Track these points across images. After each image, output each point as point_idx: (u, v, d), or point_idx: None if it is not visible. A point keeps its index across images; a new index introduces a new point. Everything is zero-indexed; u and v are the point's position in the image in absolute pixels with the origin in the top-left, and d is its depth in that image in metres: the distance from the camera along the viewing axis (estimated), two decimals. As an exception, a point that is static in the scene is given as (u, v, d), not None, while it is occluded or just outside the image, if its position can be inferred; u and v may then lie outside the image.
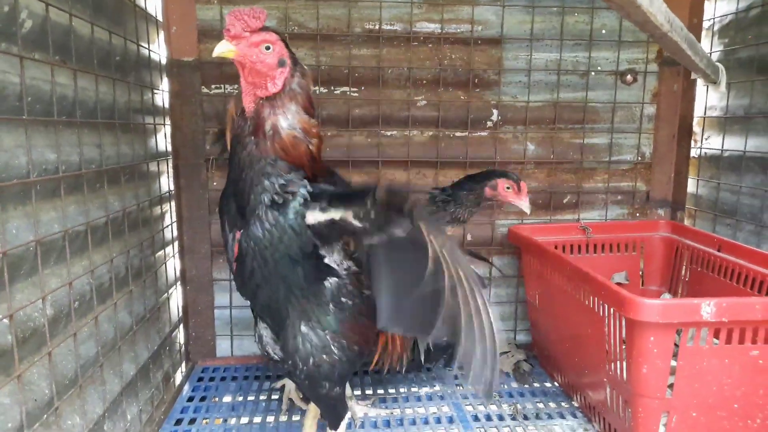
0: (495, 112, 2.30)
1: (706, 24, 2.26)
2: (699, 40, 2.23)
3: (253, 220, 1.26)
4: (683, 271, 2.19)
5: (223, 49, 1.20)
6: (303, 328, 1.35)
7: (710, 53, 2.21)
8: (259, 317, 1.51)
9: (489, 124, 2.31)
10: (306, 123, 1.28)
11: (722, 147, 2.17)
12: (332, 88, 2.20)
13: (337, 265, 1.34)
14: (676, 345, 1.43)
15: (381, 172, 2.27)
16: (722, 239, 1.99)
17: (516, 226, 2.26)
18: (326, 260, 1.32)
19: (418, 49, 2.21)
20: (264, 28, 1.23)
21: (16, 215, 1.10)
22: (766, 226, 1.94)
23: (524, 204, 1.86)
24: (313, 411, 1.70)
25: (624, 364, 1.53)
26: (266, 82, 1.24)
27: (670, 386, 1.47)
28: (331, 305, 1.35)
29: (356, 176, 2.25)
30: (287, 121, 1.26)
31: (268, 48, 1.22)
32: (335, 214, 1.24)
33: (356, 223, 1.22)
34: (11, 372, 1.04)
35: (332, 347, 1.38)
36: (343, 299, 1.36)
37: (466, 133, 2.29)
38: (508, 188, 1.84)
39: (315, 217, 1.25)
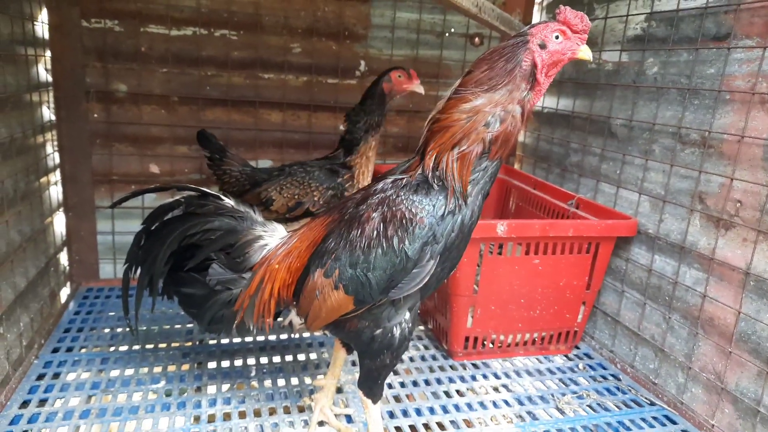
0: (362, 62, 2.60)
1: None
2: (531, 14, 2.66)
3: None
4: (510, 205, 2.70)
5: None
6: None
7: (539, 25, 2.65)
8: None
9: (357, 73, 2.61)
10: None
11: (542, 105, 2.65)
12: (212, 30, 2.36)
13: None
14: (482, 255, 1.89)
15: (258, 112, 2.50)
16: (537, 180, 2.50)
17: (379, 165, 2.61)
18: None
19: (294, 0, 2.43)
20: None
21: None
22: (567, 170, 2.47)
23: (418, 86, 2.05)
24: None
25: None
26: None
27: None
28: None
29: (234, 114, 2.47)
30: None
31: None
32: None
33: None
34: None
35: None
36: None
37: (337, 80, 2.58)
38: (399, 77, 2.03)
39: None
